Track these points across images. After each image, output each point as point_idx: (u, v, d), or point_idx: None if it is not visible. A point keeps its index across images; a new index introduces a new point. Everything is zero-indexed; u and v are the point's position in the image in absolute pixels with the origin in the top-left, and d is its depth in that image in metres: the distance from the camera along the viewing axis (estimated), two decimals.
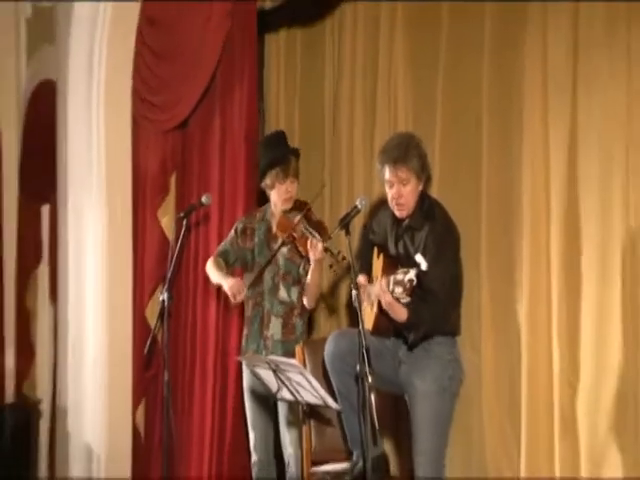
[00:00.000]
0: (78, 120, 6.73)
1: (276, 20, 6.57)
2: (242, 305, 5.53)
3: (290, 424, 5.08)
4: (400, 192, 4.29)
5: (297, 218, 5.13)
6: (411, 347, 4.30)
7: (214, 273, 5.33)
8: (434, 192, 4.90)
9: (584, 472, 4.84)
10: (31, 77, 7.81)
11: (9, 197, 7.91)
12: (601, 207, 4.83)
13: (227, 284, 5.17)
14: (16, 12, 7.84)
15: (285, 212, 5.22)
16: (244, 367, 5.30)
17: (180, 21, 6.24)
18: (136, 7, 6.41)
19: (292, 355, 4.93)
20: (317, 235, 5.00)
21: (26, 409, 7.54)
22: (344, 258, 4.85)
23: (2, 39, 7.95)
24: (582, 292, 4.92)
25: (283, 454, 5.22)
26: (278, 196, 5.20)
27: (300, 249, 5.09)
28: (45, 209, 7.73)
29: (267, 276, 5.26)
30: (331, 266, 5.08)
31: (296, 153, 5.37)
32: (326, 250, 4.94)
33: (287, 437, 5.14)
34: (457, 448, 5.18)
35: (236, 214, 5.93)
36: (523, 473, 5.14)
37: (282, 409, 5.08)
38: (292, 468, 5.12)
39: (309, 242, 4.91)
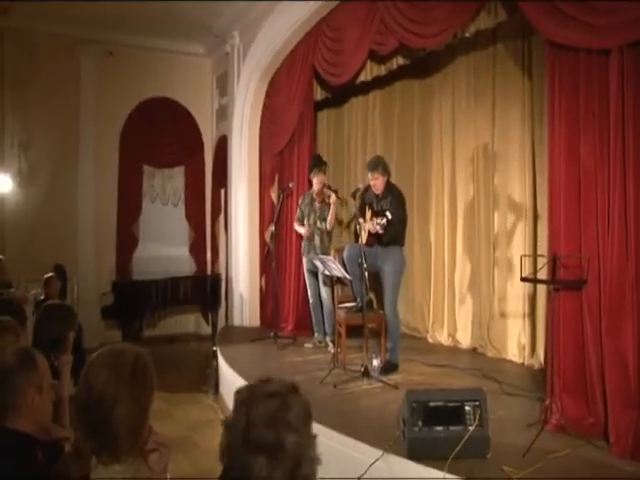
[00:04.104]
0: (235, 151, 8.30)
1: (321, 105, 7.78)
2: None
3: (325, 284, 6.31)
4: (375, 183, 5.33)
5: (324, 189, 6.45)
6: (383, 248, 5.23)
7: (299, 228, 6.67)
8: (393, 179, 5.79)
9: (473, 329, 6.25)
10: (218, 134, 9.43)
11: (208, 186, 9.72)
12: (465, 187, 6.37)
13: (302, 230, 6.59)
14: (212, 107, 9.62)
15: (320, 188, 6.49)
16: (304, 259, 6.66)
17: (280, 106, 7.57)
18: (261, 101, 7.93)
19: (327, 254, 6.11)
20: (332, 193, 6.35)
21: (216, 277, 8.82)
22: (345, 200, 6.63)
23: (208, 118, 9.63)
24: (457, 224, 6.49)
25: (322, 299, 6.46)
26: (316, 182, 6.50)
27: (325, 200, 6.42)
28: (222, 190, 9.19)
29: (312, 217, 6.52)
30: (342, 203, 6.68)
31: (325, 163, 6.77)
32: (337, 196, 6.32)
33: (323, 291, 6.38)
34: (402, 301, 6.39)
35: (303, 191, 7.05)
36: (432, 318, 6.73)
37: (321, 278, 6.30)
38: (326, 305, 6.37)
39: (330, 197, 6.31)
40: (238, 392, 1.44)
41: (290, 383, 1.48)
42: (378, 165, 5.31)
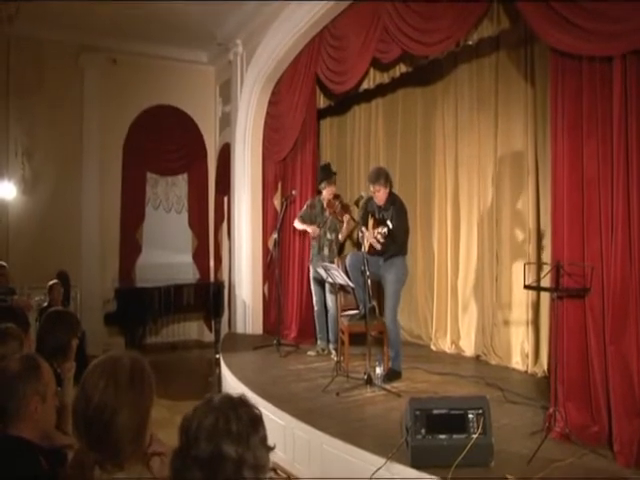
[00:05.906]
0: (238, 159, 8.34)
1: (324, 113, 7.86)
2: (309, 240, 6.83)
3: (331, 292, 6.29)
4: (377, 194, 5.32)
5: (336, 203, 6.49)
6: (385, 259, 5.29)
7: (300, 225, 6.63)
8: (397, 187, 5.92)
9: (477, 337, 6.22)
10: (221, 141, 9.50)
11: (211, 193, 9.73)
12: (468, 195, 6.35)
13: (310, 229, 6.55)
14: (215, 114, 9.64)
15: (330, 199, 6.51)
16: (311, 268, 6.61)
17: (283, 114, 7.57)
18: (264, 108, 7.96)
19: (333, 262, 6.21)
20: (344, 211, 6.44)
21: (219, 284, 8.52)
22: (355, 220, 6.43)
23: (211, 126, 9.64)
24: (460, 232, 6.45)
25: (327, 306, 6.46)
26: (327, 192, 6.52)
27: (337, 217, 6.47)
28: (225, 198, 9.25)
29: (322, 228, 6.51)
30: (357, 226, 6.41)
31: (334, 173, 6.70)
32: (351, 217, 6.45)
33: (329, 298, 6.38)
34: (405, 308, 6.77)
35: (306, 199, 7.04)
36: (435, 326, 6.72)
37: (327, 286, 6.32)
38: (331, 313, 6.37)
39: (343, 216, 6.38)
40: (183, 417, 1.42)
41: (237, 395, 1.46)
42: (380, 177, 5.30)
